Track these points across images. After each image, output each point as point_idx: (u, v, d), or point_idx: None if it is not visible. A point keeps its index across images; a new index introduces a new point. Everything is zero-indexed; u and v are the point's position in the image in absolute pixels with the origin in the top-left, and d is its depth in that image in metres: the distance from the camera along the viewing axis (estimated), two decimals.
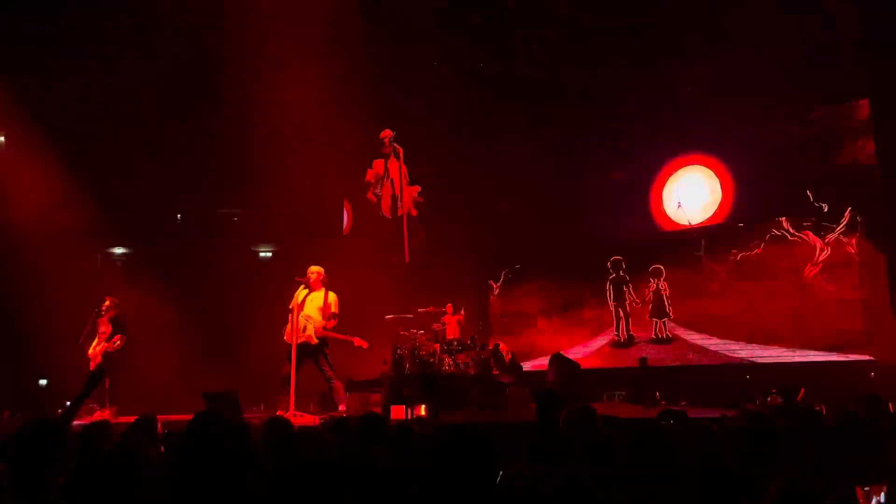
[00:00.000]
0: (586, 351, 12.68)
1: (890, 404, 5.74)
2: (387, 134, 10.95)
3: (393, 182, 10.98)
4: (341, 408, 8.16)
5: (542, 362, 11.66)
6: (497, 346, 11.50)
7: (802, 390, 7.49)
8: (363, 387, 10.26)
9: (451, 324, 11.06)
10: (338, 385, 8.31)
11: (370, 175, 11.42)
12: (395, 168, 10.88)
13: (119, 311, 9.27)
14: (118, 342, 9.05)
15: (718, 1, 10.35)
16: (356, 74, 11.74)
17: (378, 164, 11.27)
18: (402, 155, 10.83)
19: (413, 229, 10.78)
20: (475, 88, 12.74)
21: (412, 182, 10.98)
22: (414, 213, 10.92)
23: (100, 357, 8.99)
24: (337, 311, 8.35)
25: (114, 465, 2.98)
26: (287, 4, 10.79)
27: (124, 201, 12.76)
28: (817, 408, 5.48)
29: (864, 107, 10.53)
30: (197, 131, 12.72)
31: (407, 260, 10.95)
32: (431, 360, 10.04)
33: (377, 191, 11.26)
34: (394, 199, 11.06)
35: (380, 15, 11.52)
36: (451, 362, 10.13)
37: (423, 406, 8.69)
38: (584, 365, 11.62)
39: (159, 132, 12.51)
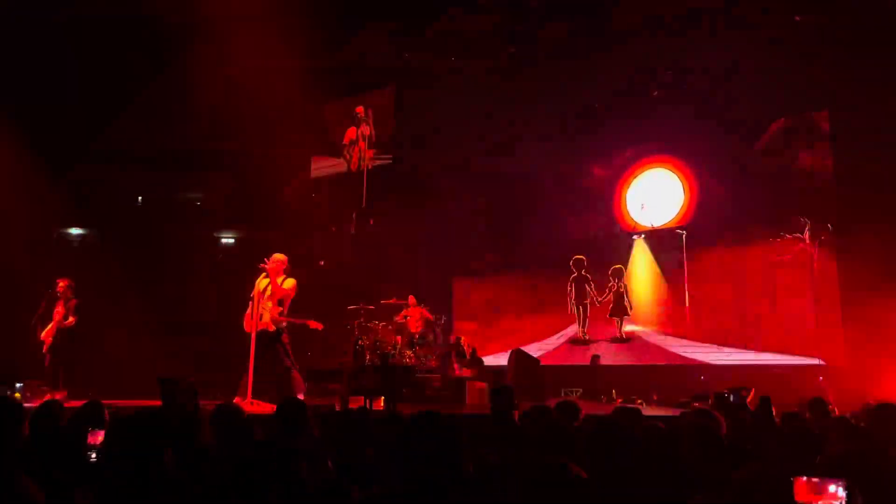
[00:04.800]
0: (546, 347, 12.81)
1: (835, 408, 5.95)
2: (360, 110, 13.82)
3: (361, 148, 13.86)
4: (300, 397, 8.10)
5: (503, 357, 11.74)
6: (459, 339, 11.55)
7: (753, 391, 7.68)
8: (322, 376, 10.21)
9: (414, 316, 11.07)
10: (296, 374, 8.25)
11: (346, 139, 14.09)
12: (364, 134, 13.87)
13: (73, 294, 9.05)
14: (71, 321, 8.85)
15: (686, 9, 10.49)
16: (325, 58, 11.73)
17: (351, 131, 14.02)
18: (371, 124, 13.92)
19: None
20: (441, 81, 12.76)
21: (371, 146, 13.85)
22: (370, 164, 13.84)
23: (51, 338, 8.78)
24: (289, 291, 8.25)
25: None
26: None
27: (82, 180, 12.48)
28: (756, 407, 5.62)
29: (823, 118, 10.82)
30: (161, 111, 12.49)
31: (364, 205, 13.45)
32: (392, 351, 10.04)
33: (347, 152, 14.02)
34: (360, 158, 13.87)
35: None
36: (412, 355, 10.15)
37: (382, 398, 8.69)
38: (544, 361, 11.74)
39: (121, 109, 12.25)
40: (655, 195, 12.43)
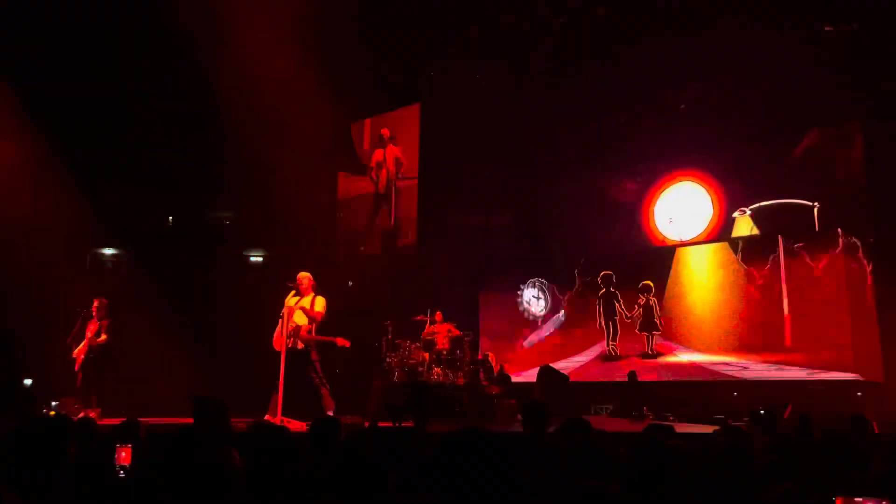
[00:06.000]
0: (575, 364, 12.69)
1: (874, 424, 5.78)
2: (385, 132, 13.96)
3: (389, 170, 13.98)
4: (329, 414, 8.11)
5: (531, 374, 11.66)
6: (486, 356, 11.50)
7: (790, 407, 7.52)
8: (351, 394, 10.22)
9: (441, 333, 11.04)
10: (326, 392, 8.27)
11: (373, 161, 14.24)
12: (391, 156, 13.99)
13: (107, 313, 9.19)
14: (103, 339, 8.99)
15: (715, 22, 10.42)
16: (350, 76, 11.88)
17: (378, 153, 14.19)
18: (398, 145, 14.08)
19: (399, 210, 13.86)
20: (467, 100, 12.81)
21: (399, 166, 13.94)
22: (397, 185, 14.05)
23: (83, 356, 8.92)
24: (322, 313, 8.31)
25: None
26: (284, 8, 10.82)
27: (115, 202, 12.72)
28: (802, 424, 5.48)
29: (856, 129, 10.64)
30: (190, 133, 12.70)
31: (392, 223, 13.64)
32: (420, 369, 10.02)
33: (374, 174, 14.19)
34: (388, 181, 14.02)
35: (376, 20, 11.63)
36: (440, 372, 10.11)
37: (411, 415, 8.67)
38: (573, 378, 11.63)
39: (152, 133, 12.48)
40: (683, 209, 12.32)
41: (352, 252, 14.02)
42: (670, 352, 11.97)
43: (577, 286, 13.12)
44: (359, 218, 14.32)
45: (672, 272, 12.07)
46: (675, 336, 11.98)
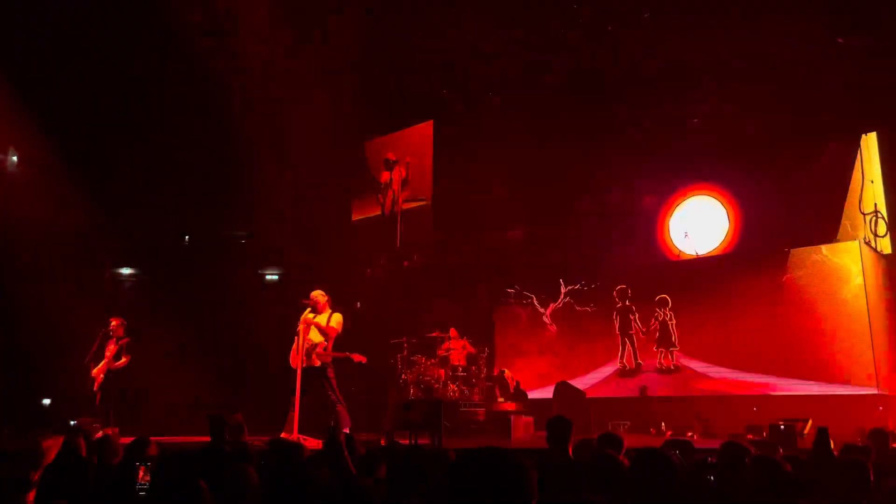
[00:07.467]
0: (592, 380, 12.58)
1: None
2: (391, 155, 14.24)
3: (394, 191, 14.19)
4: (346, 431, 8.11)
5: (548, 390, 11.59)
6: (502, 372, 11.46)
7: (810, 421, 7.42)
8: (367, 411, 10.22)
9: (457, 349, 11.04)
10: (342, 409, 8.27)
11: (382, 180, 14.49)
12: (397, 178, 14.23)
13: (125, 332, 9.27)
14: (122, 362, 9.07)
15: (728, 33, 10.42)
16: (364, 101, 11.98)
17: (384, 175, 14.43)
18: (404, 166, 14.32)
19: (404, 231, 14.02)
20: (480, 117, 12.87)
21: (405, 188, 14.13)
22: (403, 207, 14.21)
23: (102, 376, 8.99)
24: (337, 329, 8.34)
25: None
26: (297, 26, 10.96)
27: (132, 222, 12.87)
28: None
29: (872, 140, 10.57)
30: (206, 153, 12.85)
31: (398, 247, 13.70)
32: (436, 385, 10.01)
33: (381, 197, 14.41)
34: (393, 202, 14.22)
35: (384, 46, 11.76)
36: (456, 388, 10.10)
37: (427, 432, 8.63)
38: (590, 394, 11.55)
39: (168, 153, 12.64)
40: (699, 223, 12.26)
41: (360, 274, 14.08)
42: (688, 366, 11.84)
43: (561, 297, 13.04)
44: (366, 240, 14.38)
45: (688, 286, 11.97)
46: (692, 350, 11.84)
